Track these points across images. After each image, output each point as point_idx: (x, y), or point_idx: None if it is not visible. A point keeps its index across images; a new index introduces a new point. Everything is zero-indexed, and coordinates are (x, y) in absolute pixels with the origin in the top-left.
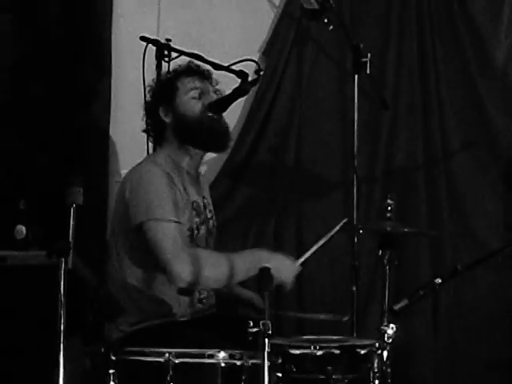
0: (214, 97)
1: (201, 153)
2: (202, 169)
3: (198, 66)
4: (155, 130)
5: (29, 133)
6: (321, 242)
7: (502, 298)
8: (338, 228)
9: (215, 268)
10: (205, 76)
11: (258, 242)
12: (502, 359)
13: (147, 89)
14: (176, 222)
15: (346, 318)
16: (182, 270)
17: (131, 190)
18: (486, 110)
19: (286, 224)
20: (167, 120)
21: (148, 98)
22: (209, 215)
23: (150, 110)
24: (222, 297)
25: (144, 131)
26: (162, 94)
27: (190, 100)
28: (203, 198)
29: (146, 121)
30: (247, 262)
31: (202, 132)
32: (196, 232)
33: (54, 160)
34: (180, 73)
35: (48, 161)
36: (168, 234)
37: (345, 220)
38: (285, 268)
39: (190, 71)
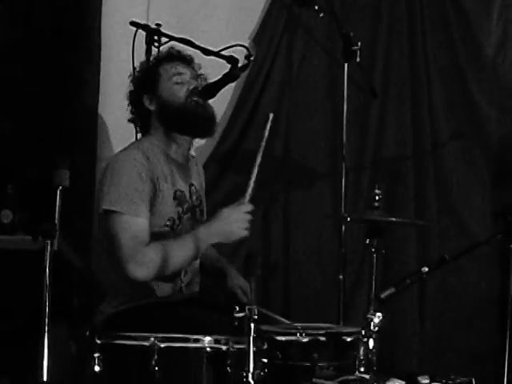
0: (198, 82)
1: (188, 139)
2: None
3: (179, 52)
4: (141, 119)
5: (16, 118)
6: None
7: (488, 288)
8: (268, 127)
9: (174, 259)
10: (187, 61)
11: None
12: (487, 348)
13: (129, 78)
14: (139, 217)
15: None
16: (135, 273)
17: (106, 172)
18: (476, 102)
19: (274, 212)
20: (152, 108)
21: (131, 87)
22: (195, 202)
23: (134, 98)
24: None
25: (130, 120)
26: (144, 82)
27: (173, 85)
28: (190, 185)
29: (131, 110)
30: (200, 241)
31: (187, 117)
32: (178, 222)
33: (42, 145)
34: (162, 59)
35: (36, 146)
36: (127, 230)
37: (271, 116)
38: (231, 225)
39: (172, 57)
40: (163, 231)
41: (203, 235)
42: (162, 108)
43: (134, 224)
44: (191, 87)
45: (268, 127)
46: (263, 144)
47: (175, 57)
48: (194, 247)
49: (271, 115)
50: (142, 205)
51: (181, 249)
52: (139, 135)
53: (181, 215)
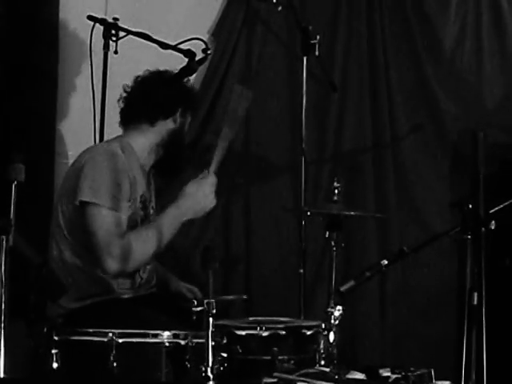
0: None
1: (159, 153)
2: None
3: None
4: (156, 112)
5: None
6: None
7: (447, 279)
8: (235, 104)
9: (144, 247)
10: None
11: (206, 224)
12: (447, 339)
13: (190, 79)
14: (117, 211)
15: (244, 297)
16: (110, 265)
17: (88, 163)
18: (434, 95)
19: (234, 205)
20: (176, 122)
21: (173, 81)
22: (151, 211)
23: (174, 96)
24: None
25: (136, 102)
26: (191, 101)
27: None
28: (150, 194)
29: (150, 95)
30: (172, 223)
31: (179, 159)
32: (140, 225)
33: None
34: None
35: None
36: (104, 223)
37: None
38: (199, 201)
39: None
40: None
41: (175, 217)
42: (178, 131)
43: (111, 217)
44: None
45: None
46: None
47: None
48: (169, 229)
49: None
50: (122, 200)
51: (150, 238)
52: (98, 126)
53: (143, 219)
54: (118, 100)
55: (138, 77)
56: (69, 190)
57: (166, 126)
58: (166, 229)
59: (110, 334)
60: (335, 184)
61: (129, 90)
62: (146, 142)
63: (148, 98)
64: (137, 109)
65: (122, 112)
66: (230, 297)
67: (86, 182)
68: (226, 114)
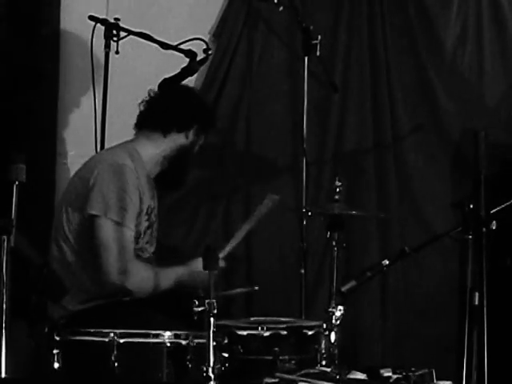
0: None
1: (163, 165)
2: None
3: None
4: (172, 123)
5: None
6: (244, 230)
7: (449, 279)
8: (264, 209)
9: (142, 280)
10: None
11: (208, 224)
12: (448, 339)
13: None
14: (130, 228)
15: (256, 288)
16: (118, 281)
17: (99, 175)
18: (435, 95)
19: (235, 206)
20: (189, 137)
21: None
22: (154, 219)
23: (194, 112)
24: None
25: (157, 109)
26: (207, 122)
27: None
28: (153, 204)
29: (175, 106)
30: (170, 279)
31: (182, 176)
32: (142, 235)
33: None
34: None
35: None
36: (118, 240)
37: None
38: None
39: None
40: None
41: (177, 276)
42: (188, 149)
43: (124, 234)
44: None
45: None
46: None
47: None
48: (167, 283)
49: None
50: (132, 216)
51: (166, 280)
52: (99, 128)
53: (146, 230)
54: (140, 103)
55: (165, 86)
56: (77, 198)
57: (177, 139)
58: (165, 281)
59: (112, 334)
60: (336, 184)
61: (153, 95)
62: (154, 151)
63: (168, 108)
64: (154, 116)
65: (140, 115)
66: (240, 289)
67: (96, 194)
68: (253, 213)
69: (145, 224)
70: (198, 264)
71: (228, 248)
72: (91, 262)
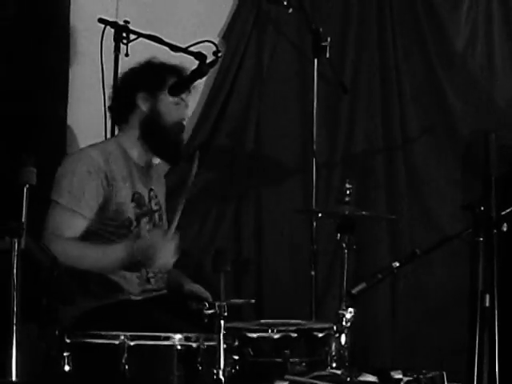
0: (189, 112)
1: (146, 146)
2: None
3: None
4: (121, 109)
5: None
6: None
7: (459, 282)
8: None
9: (78, 259)
10: (190, 91)
11: (218, 226)
12: (458, 341)
13: (132, 66)
14: (74, 212)
15: (252, 301)
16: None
17: (61, 165)
18: (445, 96)
19: (245, 208)
20: (141, 107)
21: (127, 73)
22: (154, 207)
23: (127, 87)
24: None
25: (109, 108)
26: (150, 80)
27: (172, 104)
28: (150, 190)
29: (114, 96)
30: (118, 256)
31: (166, 141)
32: (135, 223)
33: (7, 142)
34: (174, 71)
35: (3, 142)
36: (55, 219)
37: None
38: (157, 252)
39: (183, 81)
40: (121, 232)
41: (133, 250)
42: (151, 117)
43: (64, 216)
44: (183, 115)
45: (195, 165)
46: (190, 180)
47: (186, 84)
48: (113, 260)
49: (197, 153)
50: (81, 201)
51: (103, 255)
52: (109, 129)
53: (139, 217)
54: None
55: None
56: None
57: (136, 117)
58: (110, 257)
59: (122, 337)
60: (346, 186)
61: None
62: (129, 139)
63: (115, 96)
64: (111, 113)
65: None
66: (240, 300)
67: (55, 180)
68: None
69: (136, 211)
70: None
71: (175, 223)
72: None
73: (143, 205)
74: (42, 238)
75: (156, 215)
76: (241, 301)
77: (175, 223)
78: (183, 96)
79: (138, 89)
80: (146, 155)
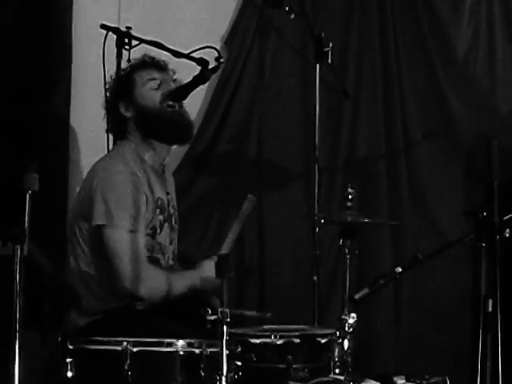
0: (173, 86)
1: (166, 147)
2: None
3: (153, 58)
4: (118, 127)
5: None
6: (233, 233)
7: (462, 287)
8: (244, 210)
9: (157, 287)
10: (161, 67)
11: (220, 232)
12: (461, 347)
13: (106, 86)
14: (136, 232)
15: (269, 315)
16: (131, 288)
17: (97, 186)
18: (447, 101)
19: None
20: (128, 115)
21: (107, 95)
22: (171, 211)
23: (111, 107)
24: None
25: (107, 131)
26: (120, 89)
27: (149, 91)
28: (167, 194)
29: (107, 119)
30: (183, 284)
31: (164, 124)
32: (159, 230)
33: (10, 148)
34: (136, 66)
35: (4, 149)
36: (126, 247)
37: (248, 200)
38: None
39: (146, 63)
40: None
41: (187, 281)
42: (138, 114)
43: (134, 240)
44: (165, 92)
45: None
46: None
47: (149, 63)
48: (180, 287)
49: (251, 197)
50: (139, 219)
51: (178, 285)
52: (111, 139)
53: (162, 223)
54: None
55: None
56: (83, 209)
57: (131, 124)
58: (178, 285)
59: (125, 343)
60: (349, 191)
61: None
62: (138, 144)
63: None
64: (111, 134)
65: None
66: (255, 313)
67: (98, 204)
68: (237, 215)
69: (159, 218)
70: (207, 268)
71: (224, 249)
72: (104, 271)
73: (165, 210)
74: (116, 270)
75: (173, 218)
76: (256, 314)
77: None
78: (154, 75)
79: (116, 103)
80: (158, 155)
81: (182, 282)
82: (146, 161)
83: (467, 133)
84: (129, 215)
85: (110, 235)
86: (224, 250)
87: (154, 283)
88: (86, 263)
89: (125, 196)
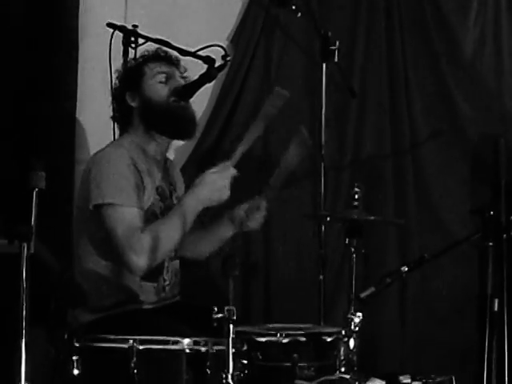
0: (182, 82)
1: (167, 139)
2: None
3: (166, 52)
4: (122, 116)
5: None
6: (252, 134)
7: (468, 286)
8: (270, 107)
9: (169, 234)
10: (172, 62)
11: None
12: (467, 346)
13: (115, 74)
14: (132, 206)
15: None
16: (136, 262)
17: (91, 171)
18: (454, 100)
19: None
20: (134, 105)
21: (115, 83)
22: (175, 201)
23: (118, 95)
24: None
25: (111, 118)
26: (129, 78)
27: (157, 84)
28: (170, 184)
29: (113, 107)
30: (189, 211)
31: (167, 117)
32: (160, 217)
33: (17, 146)
34: (147, 58)
35: (11, 146)
36: (123, 220)
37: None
38: (216, 191)
39: (158, 57)
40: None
41: (190, 206)
42: (144, 105)
43: (127, 213)
44: (172, 87)
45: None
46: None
47: (161, 57)
48: (183, 221)
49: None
50: (132, 194)
51: (171, 227)
52: (117, 133)
53: (163, 211)
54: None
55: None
56: (82, 196)
57: (135, 115)
58: (182, 219)
59: (131, 341)
60: (355, 190)
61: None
62: (139, 135)
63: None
64: (115, 122)
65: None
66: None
67: (93, 187)
68: (261, 109)
69: (159, 204)
70: (206, 178)
71: (238, 153)
72: (111, 264)
73: (166, 198)
74: (116, 244)
75: None
76: None
77: (238, 155)
78: (164, 69)
79: (123, 91)
80: (160, 146)
81: (187, 212)
82: (148, 151)
83: (474, 132)
84: (120, 190)
85: (104, 213)
86: (240, 150)
87: (168, 238)
88: (92, 260)
89: (117, 174)
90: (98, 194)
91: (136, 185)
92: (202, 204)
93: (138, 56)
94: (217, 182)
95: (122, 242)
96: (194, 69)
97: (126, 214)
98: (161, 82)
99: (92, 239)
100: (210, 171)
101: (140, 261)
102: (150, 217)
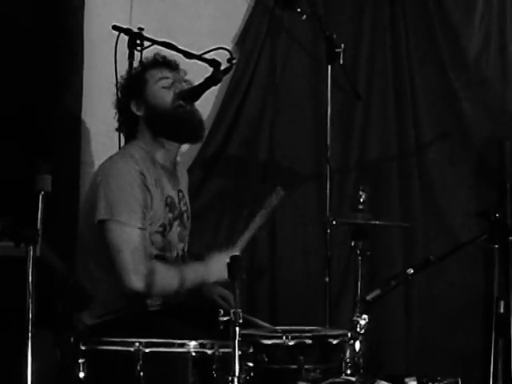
0: (185, 86)
1: (176, 145)
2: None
3: (165, 57)
4: (128, 126)
5: None
6: (256, 224)
7: (473, 289)
8: (273, 202)
9: (166, 282)
10: (172, 66)
11: (231, 233)
12: (473, 348)
13: (118, 85)
14: (140, 228)
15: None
16: (136, 283)
17: (101, 182)
18: (459, 103)
19: None
20: (139, 113)
21: (119, 94)
22: (183, 208)
23: (121, 105)
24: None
25: (117, 129)
26: (131, 88)
27: (160, 90)
28: (179, 191)
29: (119, 118)
30: (195, 275)
31: (175, 122)
32: (168, 228)
33: (23, 149)
34: (147, 65)
35: (17, 150)
36: (129, 241)
37: (276, 192)
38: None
39: (158, 62)
40: (154, 239)
41: (199, 273)
42: (149, 113)
43: (135, 235)
44: (177, 91)
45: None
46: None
47: (161, 62)
48: (191, 280)
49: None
50: (140, 215)
51: (179, 277)
52: (122, 140)
53: (171, 221)
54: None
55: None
56: (91, 209)
57: (142, 123)
58: (188, 277)
59: (137, 344)
60: (360, 193)
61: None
62: (147, 143)
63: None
64: (121, 133)
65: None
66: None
67: (101, 200)
68: (262, 207)
69: (169, 216)
70: (215, 260)
71: (244, 240)
72: (110, 271)
73: (175, 208)
74: (119, 261)
75: (185, 215)
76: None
77: (243, 243)
78: (166, 74)
79: (128, 100)
80: (169, 152)
81: (191, 274)
82: (157, 160)
83: (479, 134)
84: (130, 210)
85: (111, 229)
86: (245, 238)
87: (162, 279)
88: (96, 264)
89: (127, 191)
90: (105, 209)
91: (144, 205)
92: (206, 276)
93: (138, 62)
94: (221, 262)
95: (126, 262)
96: (200, 72)
97: (133, 236)
98: (164, 88)
99: (97, 249)
100: (218, 253)
101: (138, 283)
102: (159, 228)
